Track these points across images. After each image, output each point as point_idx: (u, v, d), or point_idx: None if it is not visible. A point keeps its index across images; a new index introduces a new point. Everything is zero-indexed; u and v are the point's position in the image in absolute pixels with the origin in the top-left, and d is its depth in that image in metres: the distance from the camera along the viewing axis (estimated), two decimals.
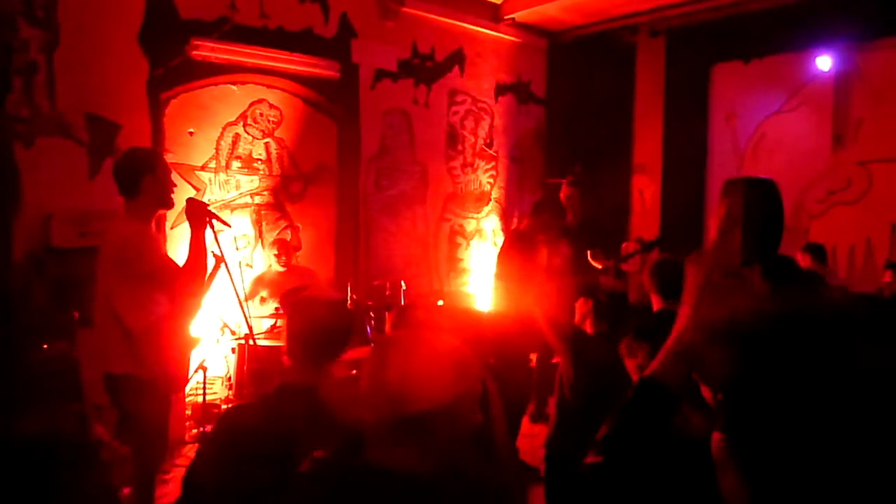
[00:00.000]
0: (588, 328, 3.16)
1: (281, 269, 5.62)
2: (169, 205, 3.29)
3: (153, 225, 3.36)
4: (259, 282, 5.60)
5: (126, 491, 3.14)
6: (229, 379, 5.31)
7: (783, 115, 6.79)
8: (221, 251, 3.42)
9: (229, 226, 4.01)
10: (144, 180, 3.10)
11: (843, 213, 6.36)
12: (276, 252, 5.64)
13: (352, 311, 2.25)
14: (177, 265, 3.23)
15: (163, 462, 3.79)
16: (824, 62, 6.28)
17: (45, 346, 4.04)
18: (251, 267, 5.88)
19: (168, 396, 3.29)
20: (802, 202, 6.50)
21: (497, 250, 5.47)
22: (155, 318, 3.07)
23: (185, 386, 4.01)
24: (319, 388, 1.86)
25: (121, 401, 3.12)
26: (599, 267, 5.16)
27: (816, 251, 5.53)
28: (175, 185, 3.31)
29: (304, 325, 2.03)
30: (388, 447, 1.31)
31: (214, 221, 3.39)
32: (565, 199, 5.67)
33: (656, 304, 3.03)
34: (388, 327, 5.55)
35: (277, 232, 6.07)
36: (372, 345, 1.42)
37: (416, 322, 1.56)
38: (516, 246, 5.06)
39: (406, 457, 1.29)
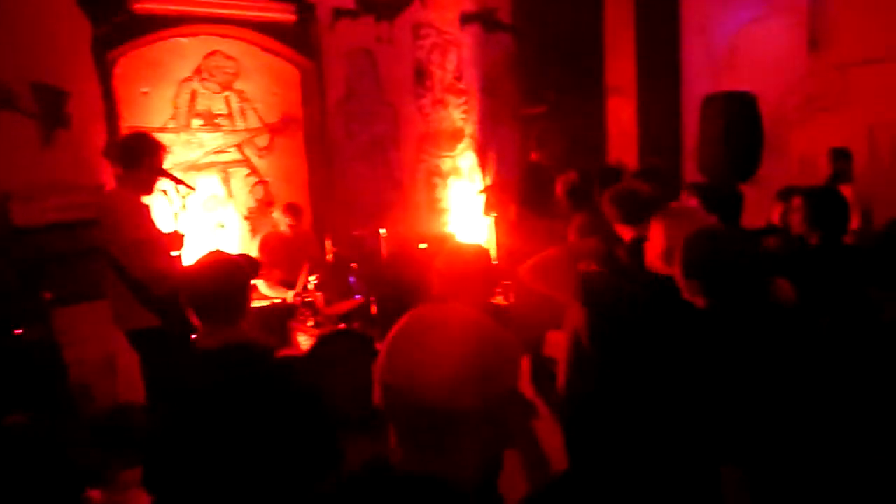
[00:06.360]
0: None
1: (286, 232, 5.43)
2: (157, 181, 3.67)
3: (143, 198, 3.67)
4: (265, 247, 5.40)
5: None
6: None
7: (757, 23, 6.59)
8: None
9: (194, 189, 3.89)
10: (145, 159, 3.54)
11: (823, 120, 6.25)
12: (289, 221, 5.40)
13: (240, 268, 2.27)
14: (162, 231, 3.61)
15: None
16: None
17: (20, 332, 3.91)
18: (223, 227, 5.72)
19: (190, 341, 3.68)
20: (782, 111, 6.38)
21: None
22: (164, 274, 3.39)
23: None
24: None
25: (146, 352, 3.52)
26: None
27: (838, 155, 5.73)
28: (168, 173, 3.68)
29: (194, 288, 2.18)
30: (415, 453, 1.13)
31: (180, 187, 3.56)
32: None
33: (627, 234, 2.93)
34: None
35: (249, 189, 5.89)
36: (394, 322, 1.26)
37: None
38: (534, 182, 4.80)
39: (434, 463, 1.11)
